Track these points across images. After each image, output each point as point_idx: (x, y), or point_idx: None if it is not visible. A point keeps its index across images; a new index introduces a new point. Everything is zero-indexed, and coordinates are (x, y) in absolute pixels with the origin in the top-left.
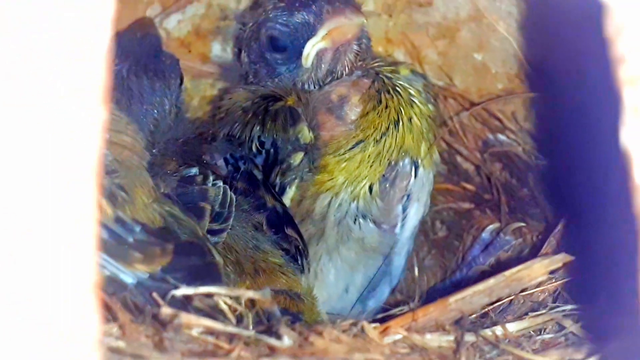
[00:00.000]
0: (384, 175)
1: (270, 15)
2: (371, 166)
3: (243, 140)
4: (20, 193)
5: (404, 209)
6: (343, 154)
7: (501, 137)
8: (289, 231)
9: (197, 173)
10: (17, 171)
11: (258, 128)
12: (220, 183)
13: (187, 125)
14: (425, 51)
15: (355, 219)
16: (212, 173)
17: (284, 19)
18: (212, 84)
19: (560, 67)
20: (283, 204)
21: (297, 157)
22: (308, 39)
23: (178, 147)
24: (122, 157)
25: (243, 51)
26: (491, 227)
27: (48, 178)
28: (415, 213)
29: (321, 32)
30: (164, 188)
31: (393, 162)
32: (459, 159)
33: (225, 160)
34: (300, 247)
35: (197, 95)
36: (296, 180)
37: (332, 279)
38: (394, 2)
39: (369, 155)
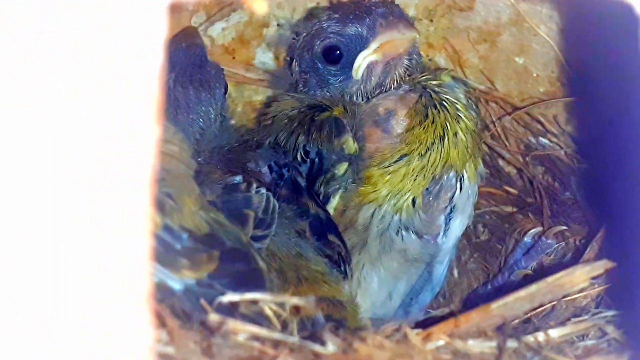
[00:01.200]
0: (427, 189)
1: (325, 26)
2: (415, 180)
3: (288, 149)
4: (78, 201)
5: (447, 220)
6: (387, 167)
7: (543, 140)
8: (332, 237)
9: (241, 181)
10: (76, 180)
11: (303, 137)
12: (263, 190)
13: (232, 133)
14: (466, 55)
15: (398, 231)
16: (256, 180)
17: (338, 30)
18: (256, 90)
19: (601, 71)
20: (326, 211)
21: (342, 168)
22: (360, 51)
23: (223, 155)
24: (169, 166)
25: (295, 60)
26: (533, 230)
27: (105, 188)
28: (459, 224)
29: (373, 45)
30: (209, 196)
31: (437, 176)
32: (501, 162)
33: (270, 167)
34: (342, 253)
35: (242, 101)
36: (340, 190)
37: (375, 287)
38: (435, 7)
39: (413, 169)
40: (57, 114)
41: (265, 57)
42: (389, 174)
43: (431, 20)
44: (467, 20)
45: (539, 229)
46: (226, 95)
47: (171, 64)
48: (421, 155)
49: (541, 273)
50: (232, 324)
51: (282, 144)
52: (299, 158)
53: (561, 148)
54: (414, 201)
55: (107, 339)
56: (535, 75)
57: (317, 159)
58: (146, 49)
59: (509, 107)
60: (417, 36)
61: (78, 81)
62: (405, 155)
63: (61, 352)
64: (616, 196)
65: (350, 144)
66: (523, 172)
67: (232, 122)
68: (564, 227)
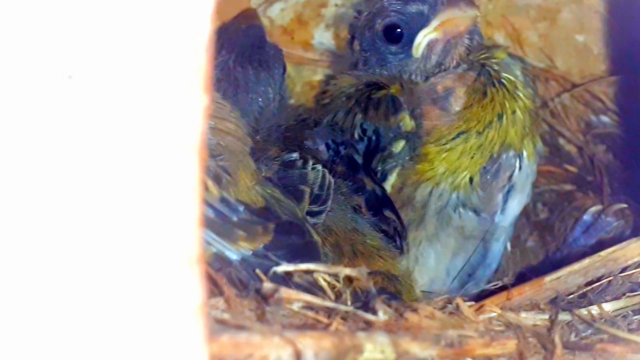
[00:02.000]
0: (485, 168)
1: (386, 4)
2: (472, 158)
3: (346, 127)
4: (127, 172)
5: (505, 199)
6: (445, 144)
7: (604, 118)
8: (387, 213)
9: (298, 158)
10: (125, 150)
11: (360, 115)
12: (319, 167)
13: (290, 111)
14: (525, 33)
15: (456, 208)
16: (312, 157)
17: (399, 8)
18: (315, 70)
19: None
20: (382, 187)
21: (399, 145)
22: (421, 29)
23: (280, 134)
24: (225, 142)
25: (356, 39)
26: (593, 209)
27: (156, 158)
28: (518, 203)
29: (434, 23)
30: (265, 172)
31: (495, 155)
32: (561, 140)
33: (327, 145)
34: (398, 228)
35: (300, 81)
36: (397, 168)
37: (432, 263)
38: None
39: (471, 147)
40: (102, 85)
41: (323, 37)
42: (446, 152)
43: None
44: None
45: (599, 207)
46: (285, 75)
47: (231, 45)
48: (479, 133)
49: (599, 250)
50: (285, 292)
51: (340, 122)
52: (356, 136)
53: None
54: (471, 179)
55: (155, 301)
56: (596, 53)
57: (374, 137)
58: (193, 19)
59: (569, 85)
60: (479, 14)
61: (125, 52)
62: (463, 132)
63: (109, 315)
64: None
65: (407, 122)
66: (583, 150)
67: (292, 101)
68: (624, 205)
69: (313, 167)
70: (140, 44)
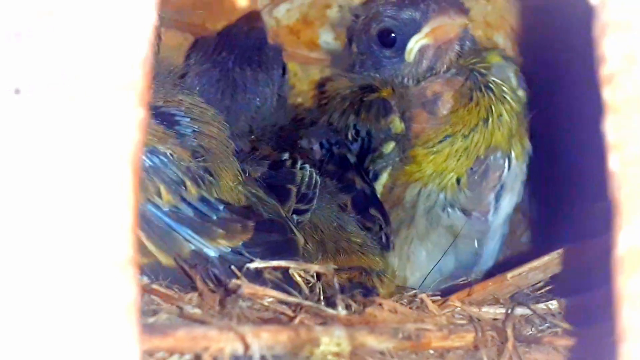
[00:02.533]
0: (471, 169)
1: (381, 10)
2: (458, 160)
3: (340, 127)
4: (66, 179)
5: (497, 198)
6: (432, 147)
7: None
8: (373, 211)
9: (287, 158)
10: (65, 159)
11: (353, 117)
12: (307, 167)
13: (288, 111)
14: None
15: (444, 208)
16: (301, 157)
17: (393, 13)
18: (322, 69)
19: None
20: (372, 187)
21: (389, 146)
22: (413, 35)
23: (274, 133)
24: (209, 145)
25: (353, 42)
26: None
27: (93, 166)
28: (509, 202)
29: (425, 29)
30: (252, 172)
31: (482, 157)
32: None
33: (321, 144)
34: (383, 226)
35: (307, 80)
36: (388, 168)
37: (423, 261)
38: None
39: (457, 150)
40: (48, 98)
41: (329, 37)
42: (433, 154)
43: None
44: None
45: None
46: (285, 76)
47: (231, 46)
48: (464, 136)
49: None
50: (248, 287)
51: (335, 122)
52: (349, 137)
53: None
54: (458, 180)
55: (88, 301)
56: None
57: (366, 138)
58: (131, 38)
59: None
60: (467, 23)
61: (69, 67)
62: (449, 136)
63: (44, 314)
64: None
65: (396, 124)
66: None
67: (299, 100)
68: None
69: (302, 167)
70: (82, 59)
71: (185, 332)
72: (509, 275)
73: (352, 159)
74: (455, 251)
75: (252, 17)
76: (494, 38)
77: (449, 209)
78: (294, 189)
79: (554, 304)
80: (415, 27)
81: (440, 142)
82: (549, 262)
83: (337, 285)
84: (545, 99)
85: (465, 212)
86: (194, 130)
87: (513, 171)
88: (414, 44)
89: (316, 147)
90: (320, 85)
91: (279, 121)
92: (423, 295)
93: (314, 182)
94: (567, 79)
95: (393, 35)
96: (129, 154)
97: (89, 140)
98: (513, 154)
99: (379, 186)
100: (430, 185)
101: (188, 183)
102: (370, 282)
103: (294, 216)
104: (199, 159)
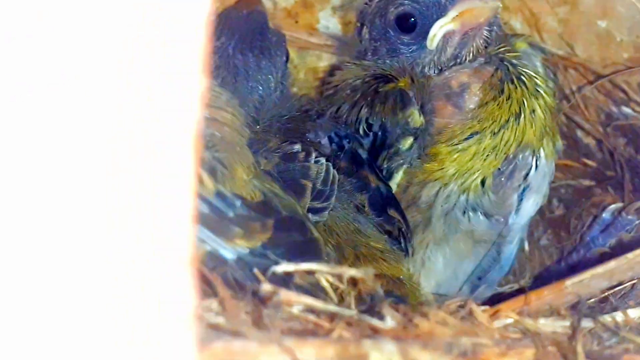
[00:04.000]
0: (499, 169)
1: None
2: (485, 160)
3: (351, 121)
4: (120, 166)
5: (520, 199)
6: (456, 144)
7: (626, 109)
8: (392, 212)
9: (300, 150)
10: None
11: (366, 110)
12: (323, 160)
13: (292, 101)
14: (544, 19)
15: (465, 211)
16: (315, 150)
17: None
18: (320, 56)
19: None
20: (387, 185)
21: (407, 142)
22: (436, 19)
23: (281, 124)
24: (221, 133)
25: (365, 27)
26: (612, 206)
27: (146, 148)
28: (533, 204)
29: (452, 13)
30: (264, 165)
31: (511, 156)
32: (579, 133)
33: (330, 138)
34: (403, 229)
35: (304, 68)
36: (404, 166)
37: (440, 267)
38: None
39: (485, 148)
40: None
41: (329, 22)
42: (457, 152)
43: None
44: None
45: (619, 204)
46: (287, 64)
47: (231, 30)
48: (494, 134)
49: (620, 251)
50: (285, 294)
51: (345, 115)
52: (361, 131)
53: None
54: (483, 181)
55: (148, 305)
56: (619, 40)
57: (380, 133)
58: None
59: (589, 74)
60: (500, 5)
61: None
62: (477, 132)
63: (100, 318)
64: None
65: (415, 118)
66: (603, 143)
67: (295, 89)
68: None
69: (316, 160)
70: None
71: (222, 345)
72: (568, 282)
73: (363, 154)
74: (473, 256)
75: (251, 1)
76: (510, 22)
77: (470, 213)
78: (309, 185)
79: (620, 316)
80: (439, 11)
81: (466, 139)
82: (615, 269)
83: (381, 292)
84: None
85: (487, 215)
86: (205, 117)
87: (541, 170)
88: (438, 30)
89: (325, 141)
90: (329, 74)
91: (285, 112)
92: (472, 304)
93: (331, 177)
94: None
95: (413, 19)
96: (192, 135)
97: (148, 119)
98: (543, 153)
99: (394, 185)
100: (451, 185)
101: (204, 176)
102: (399, 291)
103: (310, 215)
104: (213, 148)
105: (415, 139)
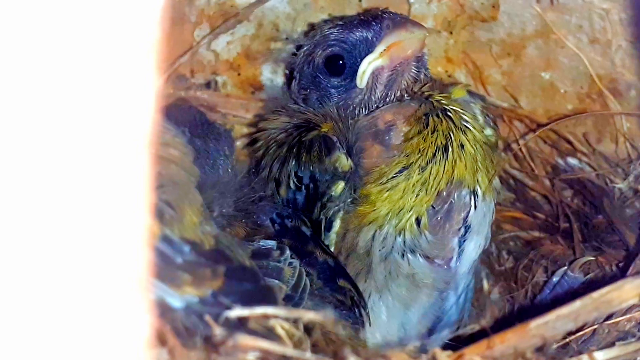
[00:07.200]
0: (433, 207)
1: (327, 34)
2: (417, 196)
3: (282, 179)
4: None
5: (461, 243)
6: (385, 183)
7: (572, 161)
8: (342, 283)
9: (275, 247)
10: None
11: (294, 163)
12: (296, 263)
13: (239, 180)
14: (488, 71)
15: (403, 254)
16: (289, 249)
17: (341, 37)
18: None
19: None
20: (334, 257)
21: (338, 187)
22: (365, 56)
23: (237, 211)
24: (169, 172)
25: (294, 78)
26: (559, 270)
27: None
28: (475, 247)
29: (379, 48)
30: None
31: (445, 193)
32: (525, 185)
33: (272, 220)
34: (355, 298)
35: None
36: (340, 212)
37: (384, 319)
38: (455, 18)
39: (414, 184)
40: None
41: (273, 74)
42: (387, 191)
43: (450, 33)
44: (490, 32)
45: (564, 268)
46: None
47: (176, 122)
48: (422, 168)
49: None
50: (241, 338)
51: (277, 175)
52: (292, 186)
53: (593, 169)
54: (418, 221)
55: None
56: (562, 91)
57: (311, 184)
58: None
59: (534, 126)
60: (427, 34)
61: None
62: (405, 168)
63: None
64: None
65: (343, 161)
66: (550, 196)
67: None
68: (592, 258)
69: (290, 263)
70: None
71: None
72: (533, 324)
73: (307, 231)
74: (418, 304)
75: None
76: (455, 75)
77: (409, 255)
78: (283, 287)
79: (586, 358)
80: (367, 47)
81: (394, 176)
82: (581, 309)
83: (342, 333)
84: None
85: (427, 258)
86: (151, 154)
87: (480, 210)
88: (367, 66)
89: (267, 223)
90: (255, 124)
91: (235, 194)
92: (436, 350)
93: (302, 284)
94: None
95: (342, 61)
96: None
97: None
98: (479, 191)
99: (333, 235)
100: (386, 227)
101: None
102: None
103: None
104: (159, 189)
105: (346, 182)
